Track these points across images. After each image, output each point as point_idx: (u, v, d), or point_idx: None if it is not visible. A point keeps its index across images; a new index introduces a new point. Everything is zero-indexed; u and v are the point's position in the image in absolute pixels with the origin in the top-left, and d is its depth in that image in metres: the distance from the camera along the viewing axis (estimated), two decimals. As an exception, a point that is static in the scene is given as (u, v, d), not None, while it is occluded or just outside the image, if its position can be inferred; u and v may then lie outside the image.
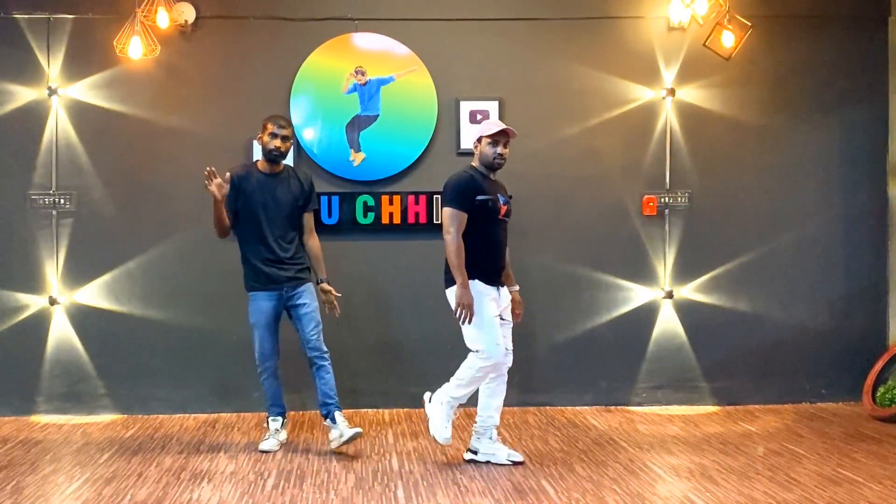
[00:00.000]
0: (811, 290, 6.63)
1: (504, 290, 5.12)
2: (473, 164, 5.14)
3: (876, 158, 6.66)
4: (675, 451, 5.35)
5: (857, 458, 5.16)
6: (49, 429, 5.97)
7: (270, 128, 5.39)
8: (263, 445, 5.39)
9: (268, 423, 5.54)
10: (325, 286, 5.60)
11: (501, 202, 5.07)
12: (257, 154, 6.22)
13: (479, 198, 4.95)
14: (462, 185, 4.97)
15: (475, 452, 5.10)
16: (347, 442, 5.26)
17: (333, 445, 5.32)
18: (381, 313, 6.42)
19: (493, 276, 5.03)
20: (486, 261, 4.99)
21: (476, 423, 5.12)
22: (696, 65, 6.51)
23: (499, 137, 5.04)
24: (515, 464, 5.02)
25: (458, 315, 4.88)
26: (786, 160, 6.62)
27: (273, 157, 5.43)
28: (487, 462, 5.04)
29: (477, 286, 4.92)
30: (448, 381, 5.04)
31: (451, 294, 4.97)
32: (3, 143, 6.28)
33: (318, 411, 6.20)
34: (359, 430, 5.32)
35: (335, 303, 5.63)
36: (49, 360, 6.31)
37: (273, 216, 5.41)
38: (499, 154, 5.06)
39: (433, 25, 6.44)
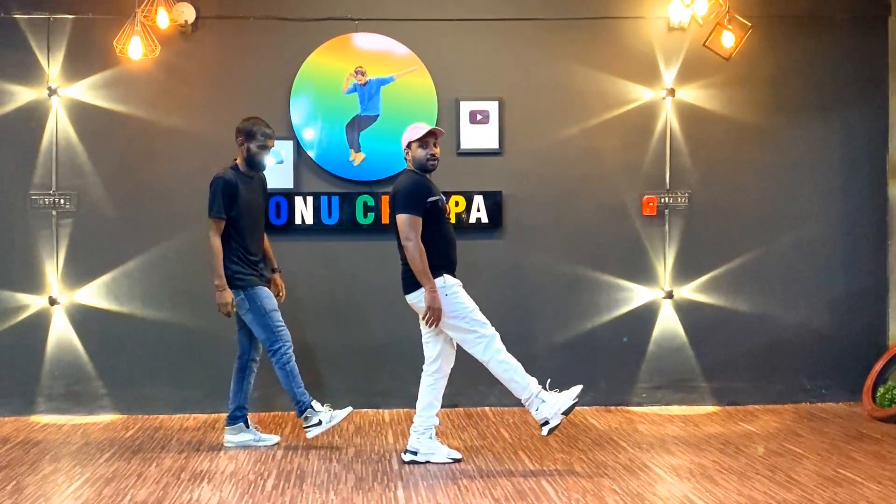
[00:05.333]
0: (811, 290, 6.63)
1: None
2: (409, 168, 5.13)
3: (876, 158, 6.66)
4: (675, 451, 5.35)
5: (857, 458, 5.16)
6: (49, 429, 5.97)
7: (261, 139, 5.40)
8: (270, 439, 5.45)
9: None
10: (279, 278, 5.71)
11: (442, 200, 5.11)
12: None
13: (430, 199, 4.99)
14: (414, 190, 4.98)
15: (415, 453, 5.08)
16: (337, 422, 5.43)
17: (325, 427, 5.36)
18: (381, 313, 6.42)
19: (454, 272, 5.10)
20: (447, 258, 5.05)
21: (415, 423, 5.12)
22: (696, 65, 6.51)
23: (428, 139, 5.05)
24: (455, 461, 5.03)
25: (425, 319, 4.94)
26: (786, 160, 6.62)
27: (263, 167, 5.51)
28: (427, 462, 5.01)
29: (448, 281, 4.98)
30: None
31: (416, 298, 5.01)
32: (3, 143, 6.28)
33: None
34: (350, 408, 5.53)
35: (282, 292, 5.71)
36: (49, 360, 6.31)
37: (256, 218, 5.50)
38: (431, 155, 5.06)
39: (433, 25, 6.44)
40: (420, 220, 4.94)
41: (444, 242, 5.04)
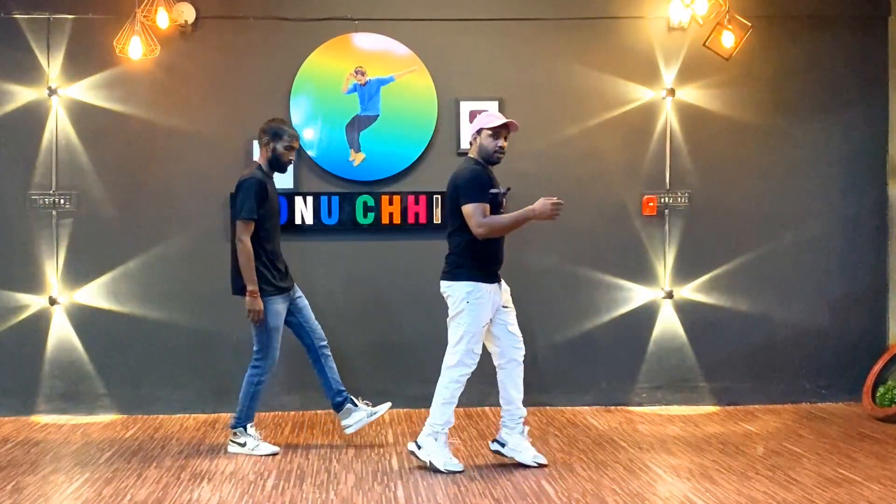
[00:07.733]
0: (811, 290, 6.63)
1: (502, 282, 5.07)
2: (472, 155, 5.01)
3: (876, 158, 6.65)
4: (675, 451, 5.35)
5: (857, 458, 5.16)
6: (49, 429, 5.97)
7: (288, 140, 5.34)
8: (266, 449, 5.33)
9: (248, 430, 5.35)
10: None
11: (502, 194, 5.01)
12: (255, 154, 6.22)
13: (491, 191, 4.88)
14: (479, 178, 4.85)
15: (503, 444, 5.03)
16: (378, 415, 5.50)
17: (362, 423, 5.45)
18: (380, 313, 6.42)
19: (497, 272, 5.00)
20: (493, 257, 4.95)
21: (503, 416, 5.05)
22: (696, 65, 6.51)
23: (500, 130, 4.93)
24: (540, 465, 4.95)
25: (459, 310, 4.83)
26: (786, 160, 6.62)
27: (285, 169, 5.45)
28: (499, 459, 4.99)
29: (478, 292, 4.85)
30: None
31: (459, 289, 4.86)
32: (3, 143, 6.28)
33: (318, 411, 6.23)
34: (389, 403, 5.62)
35: None
36: (49, 360, 6.31)
37: (278, 220, 5.48)
38: (500, 147, 4.94)
39: (433, 25, 6.44)
40: (488, 206, 4.81)
41: (494, 240, 4.93)
